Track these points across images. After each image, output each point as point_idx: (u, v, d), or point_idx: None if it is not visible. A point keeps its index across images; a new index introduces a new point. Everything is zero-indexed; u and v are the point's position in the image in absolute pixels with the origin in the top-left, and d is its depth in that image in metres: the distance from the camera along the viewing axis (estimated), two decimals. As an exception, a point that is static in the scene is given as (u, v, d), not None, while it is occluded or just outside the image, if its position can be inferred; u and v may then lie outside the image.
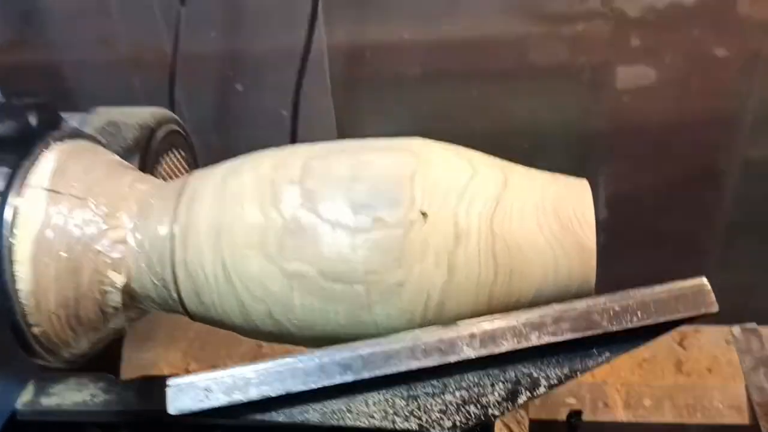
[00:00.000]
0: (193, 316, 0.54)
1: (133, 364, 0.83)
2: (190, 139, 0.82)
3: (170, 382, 0.47)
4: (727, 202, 1.15)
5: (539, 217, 0.50)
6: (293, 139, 0.98)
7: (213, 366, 0.49)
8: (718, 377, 0.80)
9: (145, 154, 0.72)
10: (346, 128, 1.12)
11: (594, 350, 0.49)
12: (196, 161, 0.84)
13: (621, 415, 0.72)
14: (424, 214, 0.49)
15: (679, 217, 1.16)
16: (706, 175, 1.14)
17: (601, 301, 0.49)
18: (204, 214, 0.52)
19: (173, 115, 0.80)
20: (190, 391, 0.47)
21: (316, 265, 0.49)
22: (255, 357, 0.85)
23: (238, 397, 0.47)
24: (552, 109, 1.18)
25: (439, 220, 0.49)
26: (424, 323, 0.50)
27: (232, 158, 0.56)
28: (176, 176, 0.79)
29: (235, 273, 0.50)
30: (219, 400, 0.47)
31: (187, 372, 0.57)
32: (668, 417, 0.71)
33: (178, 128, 0.79)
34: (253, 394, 0.47)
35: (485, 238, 0.49)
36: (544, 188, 0.52)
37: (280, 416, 0.48)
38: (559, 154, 1.21)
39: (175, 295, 0.53)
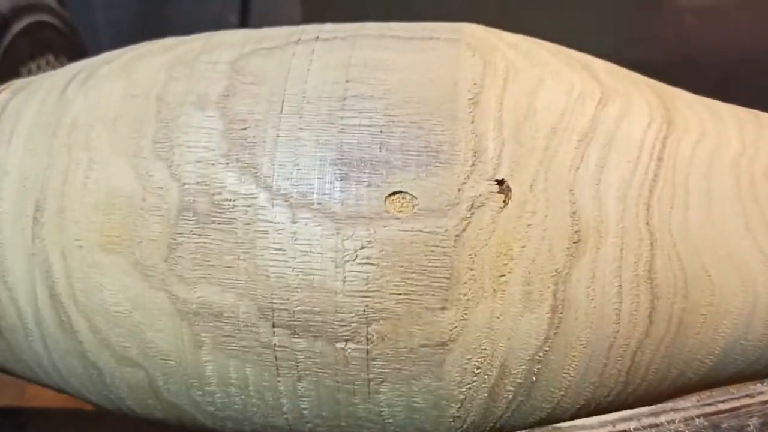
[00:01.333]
0: None
1: None
2: (78, 39, 0.53)
3: None
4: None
5: (741, 193, 0.24)
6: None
7: None
8: None
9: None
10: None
11: None
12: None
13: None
14: (502, 186, 0.22)
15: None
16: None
17: None
18: (14, 166, 0.24)
19: (47, 0, 0.50)
20: None
21: (248, 296, 0.22)
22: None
23: None
24: (592, 30, 0.90)
25: (538, 198, 0.22)
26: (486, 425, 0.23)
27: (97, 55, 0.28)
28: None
29: (76, 302, 0.23)
30: None
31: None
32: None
33: (54, 21, 0.50)
34: None
35: (634, 241, 0.22)
36: (742, 134, 0.25)
37: None
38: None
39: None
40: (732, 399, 0.24)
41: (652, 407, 0.24)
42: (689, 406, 0.24)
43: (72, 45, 0.51)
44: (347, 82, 0.23)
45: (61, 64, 0.51)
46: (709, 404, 0.24)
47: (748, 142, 0.25)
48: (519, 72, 0.23)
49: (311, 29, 0.25)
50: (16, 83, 0.27)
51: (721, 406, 0.24)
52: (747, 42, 0.87)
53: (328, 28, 0.25)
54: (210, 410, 0.25)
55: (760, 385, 0.25)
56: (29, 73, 0.48)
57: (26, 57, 0.48)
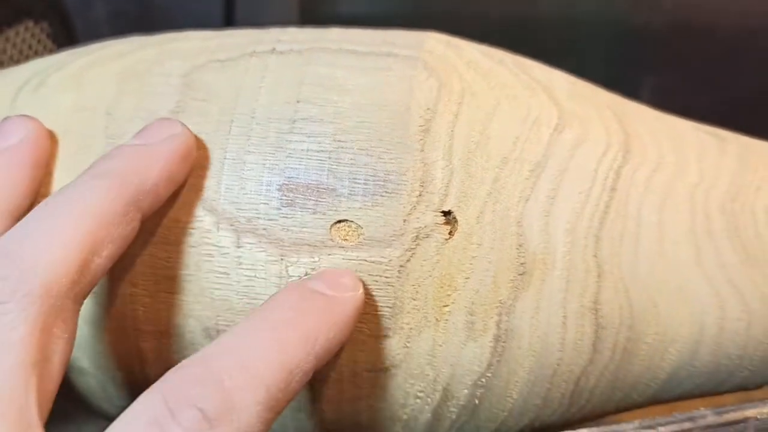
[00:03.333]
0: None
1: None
2: (60, 3, 0.52)
3: None
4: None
5: (695, 227, 0.24)
6: (229, 16, 0.66)
7: None
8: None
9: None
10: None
11: None
12: (73, 39, 0.54)
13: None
14: (448, 216, 0.22)
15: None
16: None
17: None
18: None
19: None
20: None
21: (193, 316, 0.22)
22: None
23: None
24: (593, -5, 0.88)
25: (485, 229, 0.22)
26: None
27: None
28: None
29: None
30: None
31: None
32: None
33: (32, -15, 0.49)
34: None
35: (581, 273, 0.22)
36: (701, 161, 0.25)
37: None
38: (595, 55, 0.91)
39: None
40: (673, 423, 0.25)
41: (594, 428, 0.24)
42: (630, 428, 0.25)
43: (52, 10, 0.50)
44: (298, 102, 0.22)
45: (42, 31, 0.50)
46: (649, 427, 0.25)
47: (707, 171, 0.24)
48: (475, 96, 0.23)
49: (269, 38, 0.25)
50: (-29, 82, 0.27)
51: (662, 429, 0.25)
52: (750, 13, 0.85)
53: (287, 37, 0.25)
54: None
55: (703, 409, 0.25)
56: (7, 41, 0.47)
57: (3, 23, 0.47)
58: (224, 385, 0.17)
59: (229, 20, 0.69)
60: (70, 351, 0.19)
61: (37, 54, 0.50)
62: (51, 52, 0.52)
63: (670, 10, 0.86)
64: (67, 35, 0.53)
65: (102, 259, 0.19)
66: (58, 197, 0.20)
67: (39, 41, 0.50)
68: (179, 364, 0.18)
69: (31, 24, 0.49)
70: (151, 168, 0.20)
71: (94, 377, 0.24)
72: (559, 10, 0.87)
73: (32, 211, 0.20)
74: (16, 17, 0.48)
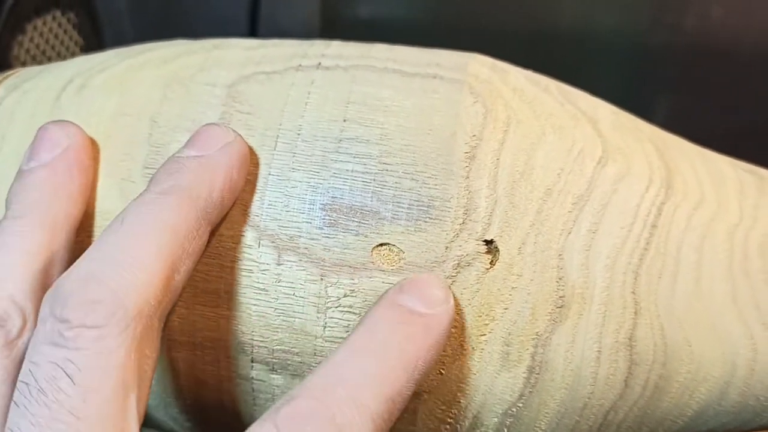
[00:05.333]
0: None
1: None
2: (87, -5, 0.52)
3: None
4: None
5: (732, 267, 0.24)
6: (253, 27, 0.66)
7: None
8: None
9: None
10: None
11: None
12: (99, 36, 0.54)
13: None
14: (490, 246, 0.22)
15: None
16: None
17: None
18: (3, 174, 0.24)
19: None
20: None
21: (229, 330, 0.22)
22: None
23: None
24: (613, 12, 0.88)
25: (525, 261, 0.22)
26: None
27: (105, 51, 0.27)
28: (59, 56, 0.49)
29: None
30: None
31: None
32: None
33: (61, -24, 0.49)
34: None
35: (618, 309, 0.22)
36: (741, 201, 0.25)
37: None
38: (611, 72, 0.91)
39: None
40: (699, 461, 0.25)
41: (619, 462, 0.25)
42: (656, 464, 0.25)
43: (79, 1, 0.50)
44: (344, 121, 0.22)
45: (68, 21, 0.50)
46: (675, 464, 0.25)
47: (747, 210, 0.24)
48: (520, 124, 0.23)
49: (313, 51, 0.24)
50: (11, 79, 0.26)
51: (687, 467, 0.25)
52: (773, 38, 0.85)
53: (332, 52, 0.24)
54: (188, 426, 0.25)
55: (728, 448, 0.25)
56: (35, 29, 0.47)
57: (32, 13, 0.47)
58: (336, 422, 0.18)
59: (252, 17, 0.69)
60: (155, 369, 0.19)
61: (62, 44, 0.50)
62: (76, 43, 0.52)
63: (691, 31, 0.86)
64: (92, 27, 0.53)
65: (181, 275, 0.19)
66: (131, 216, 0.20)
67: (66, 31, 0.50)
68: (289, 395, 0.18)
69: (58, 14, 0.49)
70: (215, 180, 0.20)
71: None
72: (578, 26, 0.87)
73: (107, 230, 0.19)
74: (45, 7, 0.47)
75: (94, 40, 0.53)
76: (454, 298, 0.21)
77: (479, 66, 0.24)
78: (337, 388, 0.18)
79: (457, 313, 0.22)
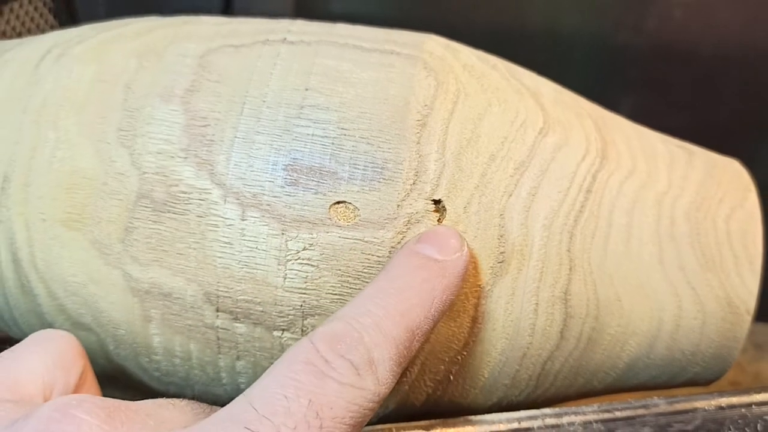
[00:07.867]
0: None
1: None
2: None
3: None
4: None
5: (660, 230, 0.26)
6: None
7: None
8: None
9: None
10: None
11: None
12: (75, 20, 0.55)
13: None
14: (438, 205, 0.24)
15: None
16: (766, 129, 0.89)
17: (744, 400, 0.26)
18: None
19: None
20: None
21: (196, 282, 0.24)
22: None
23: None
24: (579, 13, 0.90)
25: (470, 219, 0.24)
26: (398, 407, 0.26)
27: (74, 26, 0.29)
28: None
29: (37, 269, 0.25)
30: None
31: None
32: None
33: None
34: None
35: (554, 266, 0.25)
36: (671, 172, 0.27)
37: None
38: (576, 71, 0.93)
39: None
40: (629, 408, 0.27)
41: (557, 409, 0.27)
42: (589, 411, 0.27)
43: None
44: (307, 90, 0.24)
45: (44, 4, 0.51)
46: (607, 411, 0.27)
47: (675, 181, 0.27)
48: (469, 96, 0.25)
49: (280, 27, 0.26)
50: (-8, 49, 0.28)
51: (618, 414, 0.27)
52: (731, 39, 0.88)
53: (297, 29, 0.26)
54: (156, 375, 0.27)
55: (656, 398, 0.27)
56: (11, 12, 0.48)
57: (8, -6, 0.48)
58: (364, 341, 0.20)
59: (226, 11, 0.70)
60: None
61: (38, 27, 0.51)
62: (52, 27, 0.53)
63: (653, 32, 0.89)
64: (67, 10, 0.54)
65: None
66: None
67: (41, 15, 0.51)
68: (324, 323, 0.21)
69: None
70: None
71: (96, 334, 0.26)
72: (545, 25, 0.89)
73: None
74: (20, -11, 0.49)
75: (70, 24, 0.54)
76: (468, 247, 0.23)
77: (434, 44, 0.26)
78: (364, 317, 0.21)
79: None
